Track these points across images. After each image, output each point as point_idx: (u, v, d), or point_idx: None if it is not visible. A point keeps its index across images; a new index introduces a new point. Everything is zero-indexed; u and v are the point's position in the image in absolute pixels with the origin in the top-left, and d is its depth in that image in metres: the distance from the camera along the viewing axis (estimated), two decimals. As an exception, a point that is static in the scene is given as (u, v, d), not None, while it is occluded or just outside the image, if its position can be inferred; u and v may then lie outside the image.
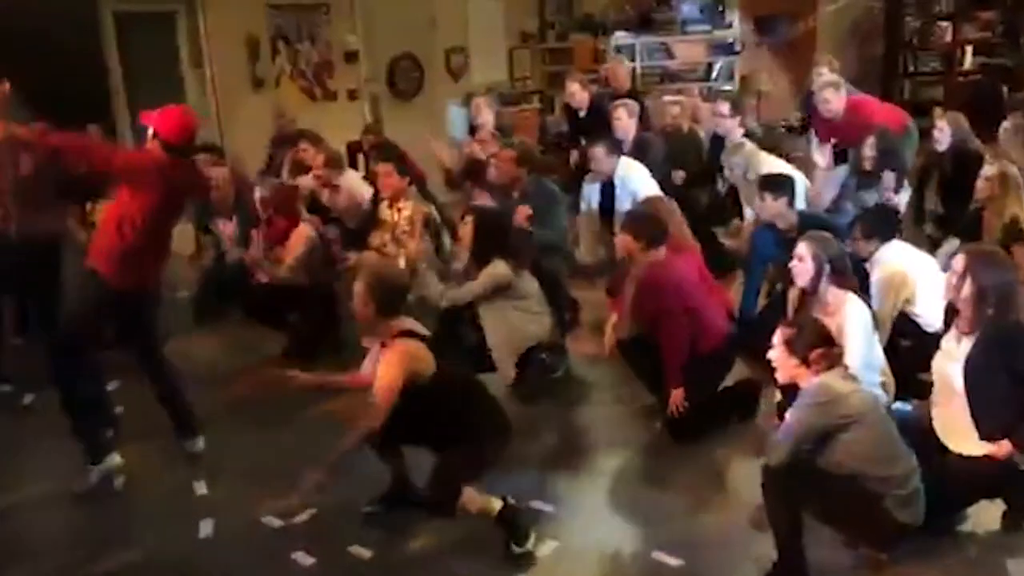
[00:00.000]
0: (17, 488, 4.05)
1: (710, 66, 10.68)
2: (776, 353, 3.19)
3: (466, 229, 4.66)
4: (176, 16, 9.32)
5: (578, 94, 7.19)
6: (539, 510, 3.67)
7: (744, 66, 10.45)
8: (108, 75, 8.93)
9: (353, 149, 8.09)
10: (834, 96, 6.04)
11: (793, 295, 4.10)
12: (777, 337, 3.19)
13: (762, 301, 5.23)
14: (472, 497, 3.32)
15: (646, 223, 4.33)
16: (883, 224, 4.51)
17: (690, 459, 4.07)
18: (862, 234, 4.45)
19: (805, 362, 3.10)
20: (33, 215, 4.49)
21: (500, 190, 5.66)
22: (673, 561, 3.31)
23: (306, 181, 6.51)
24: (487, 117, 7.04)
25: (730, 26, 10.60)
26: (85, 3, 8.73)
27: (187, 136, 4.00)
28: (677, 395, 4.15)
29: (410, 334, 3.35)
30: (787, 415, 3.14)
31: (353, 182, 6.60)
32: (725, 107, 6.35)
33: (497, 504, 3.38)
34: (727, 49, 10.58)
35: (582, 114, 7.18)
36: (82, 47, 8.64)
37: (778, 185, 5.05)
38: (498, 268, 4.59)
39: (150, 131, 3.94)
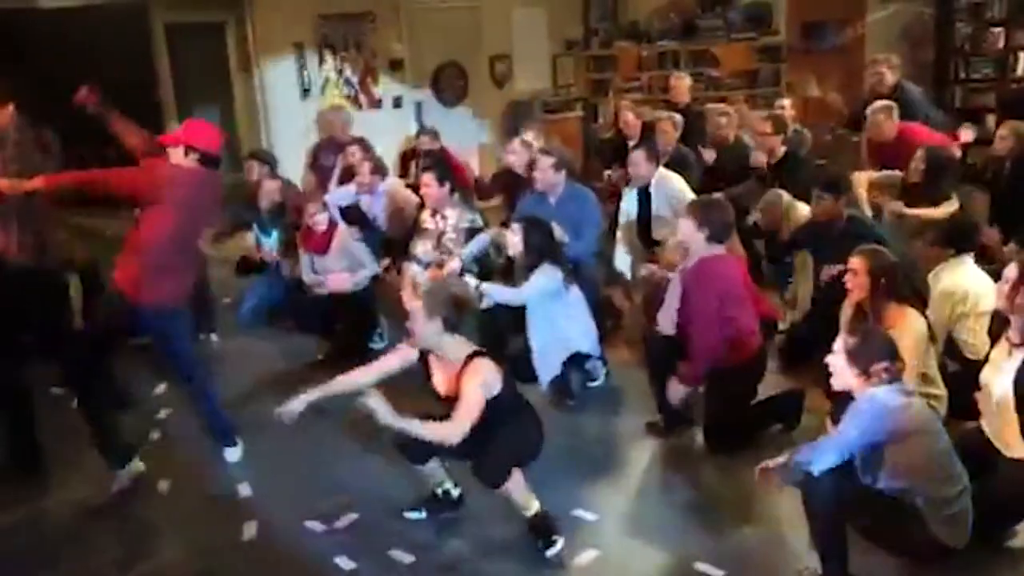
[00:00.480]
0: (68, 488, 4.13)
1: (756, 73, 10.60)
2: (836, 360, 3.09)
3: (515, 237, 4.67)
4: (226, 26, 9.49)
5: (632, 123, 7.29)
6: (580, 519, 3.65)
7: (791, 72, 10.34)
8: (159, 85, 9.13)
9: (407, 157, 8.14)
10: (886, 121, 5.98)
11: (847, 308, 4.01)
12: (839, 344, 3.10)
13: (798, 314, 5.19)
14: (519, 482, 3.36)
15: (715, 214, 4.17)
16: (962, 237, 4.39)
17: (732, 470, 4.02)
18: (939, 242, 4.35)
19: (865, 373, 3.01)
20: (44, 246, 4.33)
21: (538, 196, 5.65)
22: (717, 573, 3.28)
23: (347, 189, 6.57)
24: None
25: (777, 32, 10.50)
26: (137, 15, 8.93)
27: (220, 146, 4.03)
28: (679, 384, 4.14)
29: (480, 353, 3.40)
30: (837, 427, 3.08)
31: (397, 190, 6.65)
32: (767, 126, 6.37)
33: (535, 504, 3.42)
34: (774, 55, 10.49)
35: (631, 143, 7.15)
36: (134, 58, 8.85)
37: (835, 184, 5.00)
38: (549, 272, 4.60)
39: (179, 149, 3.90)
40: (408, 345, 3.53)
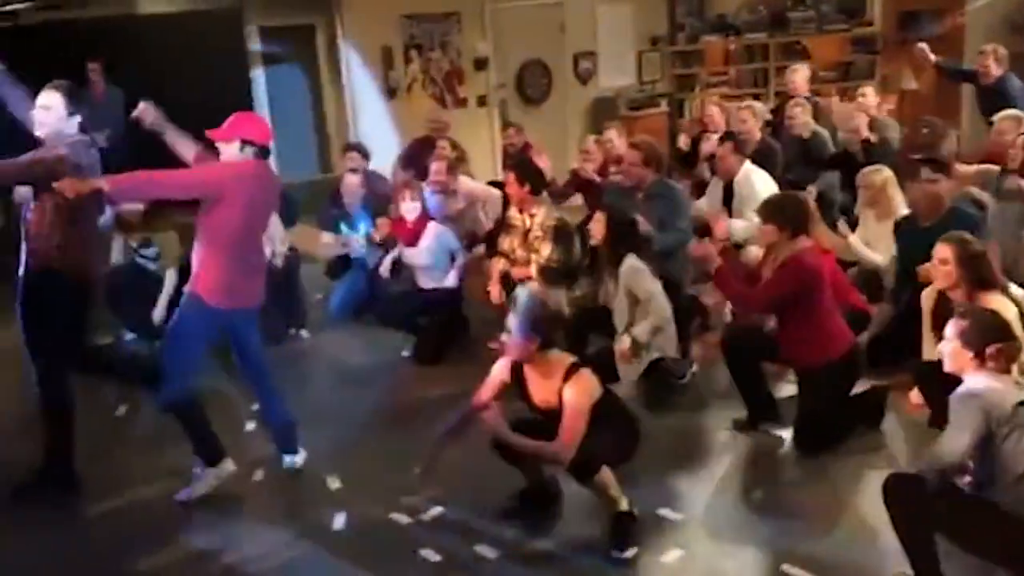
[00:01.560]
0: (155, 480, 4.27)
1: (849, 65, 10.31)
2: (949, 346, 2.98)
3: (598, 227, 4.67)
4: (316, 28, 9.72)
5: (716, 118, 7.19)
6: (665, 517, 3.62)
7: (886, 64, 10.03)
8: (252, 86, 9.38)
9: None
10: (1013, 130, 5.65)
11: (928, 297, 3.91)
12: (950, 329, 3.00)
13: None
14: (609, 478, 3.36)
15: (790, 210, 4.13)
16: None
17: (820, 470, 3.94)
18: None
19: (980, 356, 2.90)
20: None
21: (625, 191, 5.62)
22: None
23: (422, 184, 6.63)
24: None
25: (871, 22, 10.20)
26: (232, 19, 9.20)
27: (270, 136, 3.98)
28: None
29: (580, 364, 3.42)
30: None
31: (473, 186, 6.69)
32: (863, 123, 6.29)
33: (625, 504, 3.41)
34: (868, 46, 10.19)
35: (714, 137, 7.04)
36: (229, 61, 9.11)
37: (943, 167, 4.87)
38: (634, 263, 4.59)
39: (232, 145, 3.85)
40: (505, 357, 3.54)
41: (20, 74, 4.21)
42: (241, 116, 3.96)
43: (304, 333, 6.12)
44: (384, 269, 5.84)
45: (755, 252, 5.05)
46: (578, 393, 3.32)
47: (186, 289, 3.93)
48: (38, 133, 3.98)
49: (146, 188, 3.97)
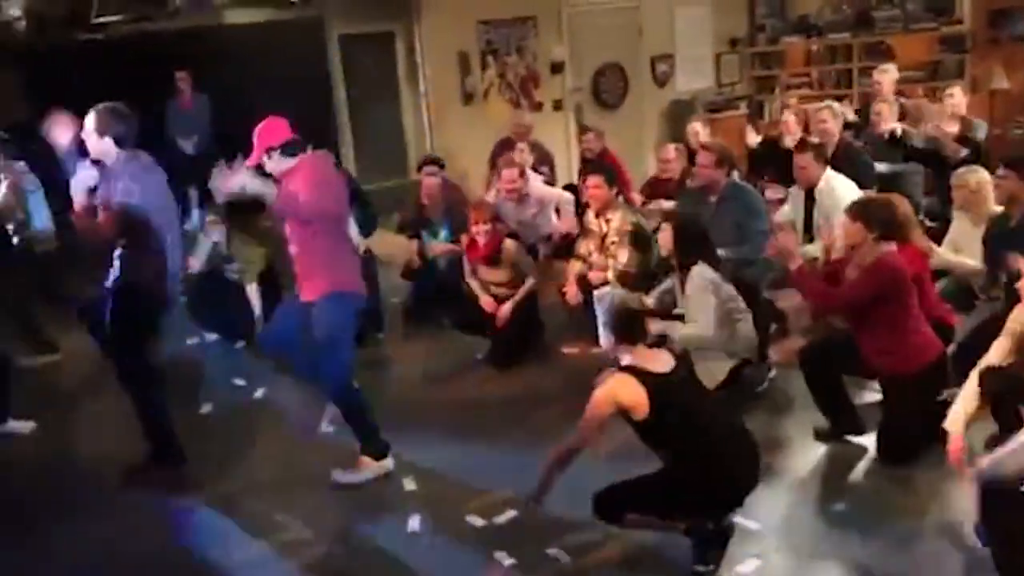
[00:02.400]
0: (239, 477, 4.39)
1: (937, 65, 10.00)
2: None
3: (665, 235, 4.61)
4: (395, 36, 9.85)
5: (791, 125, 7.04)
6: (742, 526, 3.55)
7: (976, 64, 9.70)
8: (333, 94, 9.56)
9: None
10: None
11: (1015, 319, 3.63)
12: None
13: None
14: (643, 521, 3.30)
15: (881, 212, 4.02)
16: None
17: (904, 480, 3.83)
18: None
19: None
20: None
21: (697, 194, 5.54)
22: (888, 589, 3.12)
23: (491, 196, 6.64)
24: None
25: (961, 21, 9.87)
26: (314, 27, 9.39)
27: (288, 128, 4.06)
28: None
29: (632, 369, 3.25)
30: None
31: (544, 191, 6.69)
32: (954, 127, 6.03)
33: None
34: (957, 45, 9.86)
35: (790, 144, 6.88)
36: (310, 69, 9.30)
37: (1019, 163, 4.70)
38: (704, 273, 4.51)
39: (268, 159, 3.95)
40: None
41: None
42: (259, 130, 4.01)
43: (381, 336, 6.20)
44: (484, 301, 5.67)
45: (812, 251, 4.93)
46: (599, 388, 3.24)
47: (319, 294, 4.01)
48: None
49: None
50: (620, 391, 3.20)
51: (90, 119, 4.04)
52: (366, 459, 4.18)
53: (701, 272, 4.52)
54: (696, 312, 4.48)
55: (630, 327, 3.36)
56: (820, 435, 4.23)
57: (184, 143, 8.90)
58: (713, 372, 4.45)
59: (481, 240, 5.59)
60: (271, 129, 4.00)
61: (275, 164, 3.97)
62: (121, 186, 4.01)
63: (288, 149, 3.97)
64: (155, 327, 4.30)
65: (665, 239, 4.62)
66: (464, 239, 5.82)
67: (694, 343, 4.43)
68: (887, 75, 7.44)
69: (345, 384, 4.10)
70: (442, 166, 6.84)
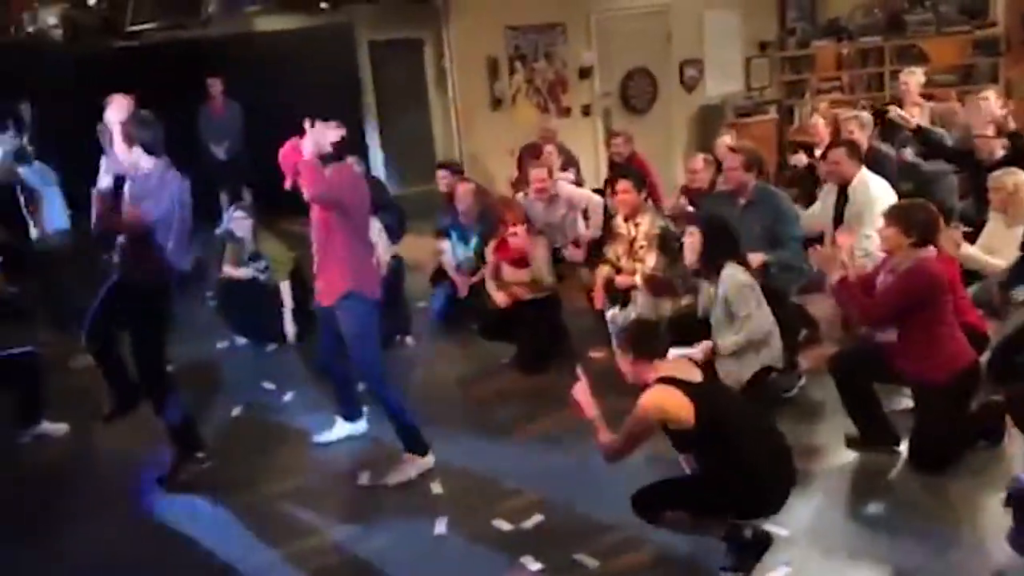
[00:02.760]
0: (267, 480, 4.42)
1: (970, 68, 9.88)
2: None
3: (693, 239, 4.58)
4: (424, 42, 9.90)
5: (820, 131, 6.98)
6: (772, 533, 3.52)
7: (1010, 67, 9.57)
8: (362, 100, 9.63)
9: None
10: None
11: None
12: None
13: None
14: (683, 519, 3.25)
15: (919, 217, 3.93)
16: None
17: (937, 487, 3.78)
18: None
19: None
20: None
21: (726, 198, 5.51)
22: (919, 599, 3.08)
23: (520, 197, 6.65)
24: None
25: (995, 23, 9.74)
26: (344, 34, 9.47)
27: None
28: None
29: (674, 380, 3.21)
30: None
31: (572, 193, 6.69)
32: (990, 129, 5.99)
33: (743, 529, 3.29)
34: (991, 49, 9.74)
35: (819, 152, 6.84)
36: (340, 75, 9.38)
37: None
38: (737, 275, 4.46)
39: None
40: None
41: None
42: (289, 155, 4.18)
43: (409, 340, 6.22)
44: (499, 298, 5.74)
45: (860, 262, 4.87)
46: (644, 398, 3.19)
47: (338, 296, 4.16)
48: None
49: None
50: (667, 402, 3.16)
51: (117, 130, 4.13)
52: (409, 456, 4.26)
53: (733, 273, 4.48)
54: (742, 309, 4.42)
55: (648, 342, 3.33)
56: (851, 443, 4.18)
57: (216, 149, 9.01)
58: (737, 372, 4.43)
59: (514, 242, 5.60)
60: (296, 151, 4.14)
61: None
62: (150, 187, 4.10)
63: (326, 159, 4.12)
64: (161, 322, 4.33)
65: (692, 244, 4.57)
66: (494, 242, 5.84)
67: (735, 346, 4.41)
68: (914, 77, 7.40)
69: (380, 376, 4.23)
70: (458, 171, 6.86)
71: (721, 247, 4.51)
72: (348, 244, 4.16)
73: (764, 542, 3.29)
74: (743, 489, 3.21)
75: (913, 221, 3.90)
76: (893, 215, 3.98)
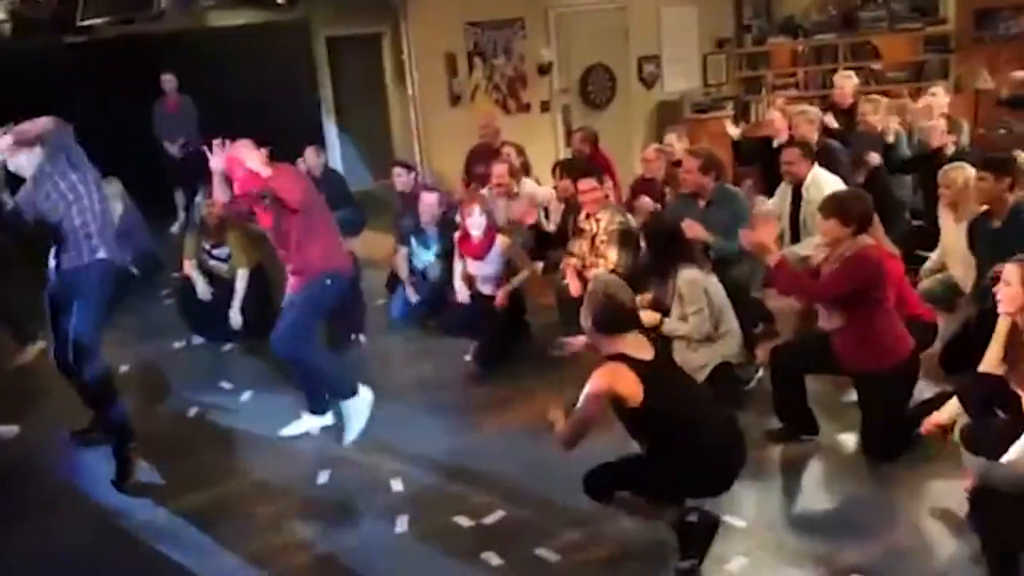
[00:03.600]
0: (224, 481, 4.37)
1: (922, 65, 10.06)
2: (1007, 290, 3.10)
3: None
4: (382, 37, 9.84)
5: (778, 124, 6.96)
6: (729, 524, 3.56)
7: (960, 64, 9.76)
8: (320, 97, 9.55)
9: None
10: None
11: (1002, 325, 3.56)
12: (1011, 273, 3.17)
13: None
14: (633, 501, 3.31)
15: (855, 206, 3.98)
16: None
17: (888, 478, 3.85)
18: None
19: None
20: None
21: (686, 199, 5.56)
22: (874, 586, 3.13)
23: (484, 192, 6.65)
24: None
25: (945, 21, 9.93)
26: (300, 29, 9.38)
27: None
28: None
29: (624, 357, 3.21)
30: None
31: (534, 191, 6.71)
32: (942, 123, 6.07)
33: (689, 514, 3.32)
34: (942, 46, 9.92)
35: (776, 143, 6.89)
36: (296, 70, 9.30)
37: (1003, 163, 4.70)
38: (689, 273, 4.51)
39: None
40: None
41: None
42: (234, 158, 4.41)
43: (363, 339, 6.15)
44: (461, 295, 5.80)
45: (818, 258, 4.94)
46: (594, 378, 3.18)
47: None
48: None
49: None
50: (616, 381, 3.16)
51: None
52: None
53: (689, 274, 4.54)
54: (689, 309, 4.50)
55: (615, 317, 3.28)
56: (774, 437, 4.25)
57: (170, 146, 8.88)
58: (695, 361, 4.49)
59: (475, 232, 5.59)
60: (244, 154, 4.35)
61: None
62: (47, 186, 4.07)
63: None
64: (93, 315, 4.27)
65: (642, 251, 4.65)
66: (457, 235, 5.83)
67: (678, 335, 4.52)
68: (849, 81, 7.62)
69: (293, 345, 4.43)
70: (411, 169, 6.85)
71: (668, 252, 4.60)
72: (306, 235, 4.43)
73: (712, 525, 3.32)
74: (690, 468, 3.23)
75: (850, 211, 3.94)
76: (830, 207, 4.01)
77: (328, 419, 4.73)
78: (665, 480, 3.26)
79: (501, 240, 5.69)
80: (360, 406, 4.55)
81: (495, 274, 5.68)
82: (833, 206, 4.01)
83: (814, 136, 6.39)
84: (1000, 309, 3.53)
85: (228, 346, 6.13)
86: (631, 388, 3.14)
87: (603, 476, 3.30)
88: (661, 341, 4.06)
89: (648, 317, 4.44)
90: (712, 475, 3.30)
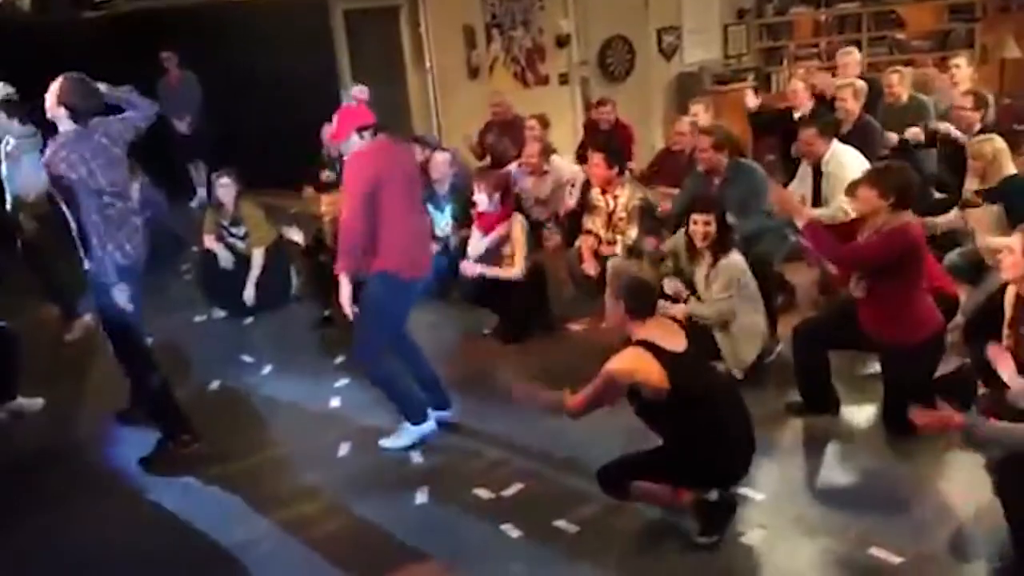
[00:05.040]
0: (246, 454, 4.41)
1: (947, 34, 9.89)
2: (1011, 258, 3.12)
3: (708, 228, 4.54)
4: (400, 10, 9.77)
5: (800, 93, 6.89)
6: (748, 497, 3.56)
7: (986, 33, 9.59)
8: (338, 69, 9.51)
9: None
10: None
11: (1010, 292, 3.58)
12: (1015, 241, 3.17)
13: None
14: (649, 489, 3.33)
15: (895, 180, 3.87)
16: None
17: (908, 450, 3.83)
18: None
19: None
20: None
21: (702, 177, 5.51)
22: (894, 559, 3.13)
23: (513, 168, 6.64)
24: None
25: (971, -11, 9.76)
26: (317, 3, 9.32)
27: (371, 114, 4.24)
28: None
29: (650, 345, 3.21)
30: None
31: (562, 169, 6.67)
32: (967, 100, 5.94)
33: (710, 494, 3.33)
34: (967, 14, 9.75)
35: (798, 115, 6.80)
36: (315, 45, 9.25)
37: None
38: (737, 261, 4.52)
39: (353, 138, 4.06)
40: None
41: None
42: (345, 111, 4.19)
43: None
44: (471, 268, 5.76)
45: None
46: (617, 359, 3.20)
47: (371, 271, 4.06)
48: None
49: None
50: (639, 367, 3.17)
51: (55, 84, 4.03)
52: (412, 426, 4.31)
53: (733, 258, 4.53)
54: (725, 291, 4.49)
55: (643, 301, 3.32)
56: (794, 410, 4.24)
57: (178, 123, 8.88)
58: (742, 354, 4.51)
59: (481, 208, 5.55)
60: (362, 111, 4.19)
61: (356, 145, 4.06)
62: (65, 155, 3.96)
63: (374, 132, 4.09)
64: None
65: (705, 231, 4.53)
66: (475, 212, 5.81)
67: (708, 319, 4.49)
68: (851, 56, 7.39)
69: (372, 358, 4.17)
70: (430, 146, 6.83)
71: (726, 238, 4.58)
72: (374, 222, 4.05)
73: (731, 504, 3.35)
74: (711, 459, 3.24)
75: (890, 184, 3.85)
76: (870, 178, 3.95)
77: (431, 425, 4.38)
78: (682, 471, 3.29)
79: (516, 220, 5.58)
80: (418, 433, 4.32)
81: (484, 252, 5.56)
82: (873, 177, 3.95)
83: (856, 111, 6.26)
84: (1003, 276, 3.53)
85: (249, 319, 6.18)
86: (653, 377, 3.15)
87: (618, 470, 3.33)
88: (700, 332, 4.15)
89: (678, 310, 4.44)
90: (731, 466, 3.32)
